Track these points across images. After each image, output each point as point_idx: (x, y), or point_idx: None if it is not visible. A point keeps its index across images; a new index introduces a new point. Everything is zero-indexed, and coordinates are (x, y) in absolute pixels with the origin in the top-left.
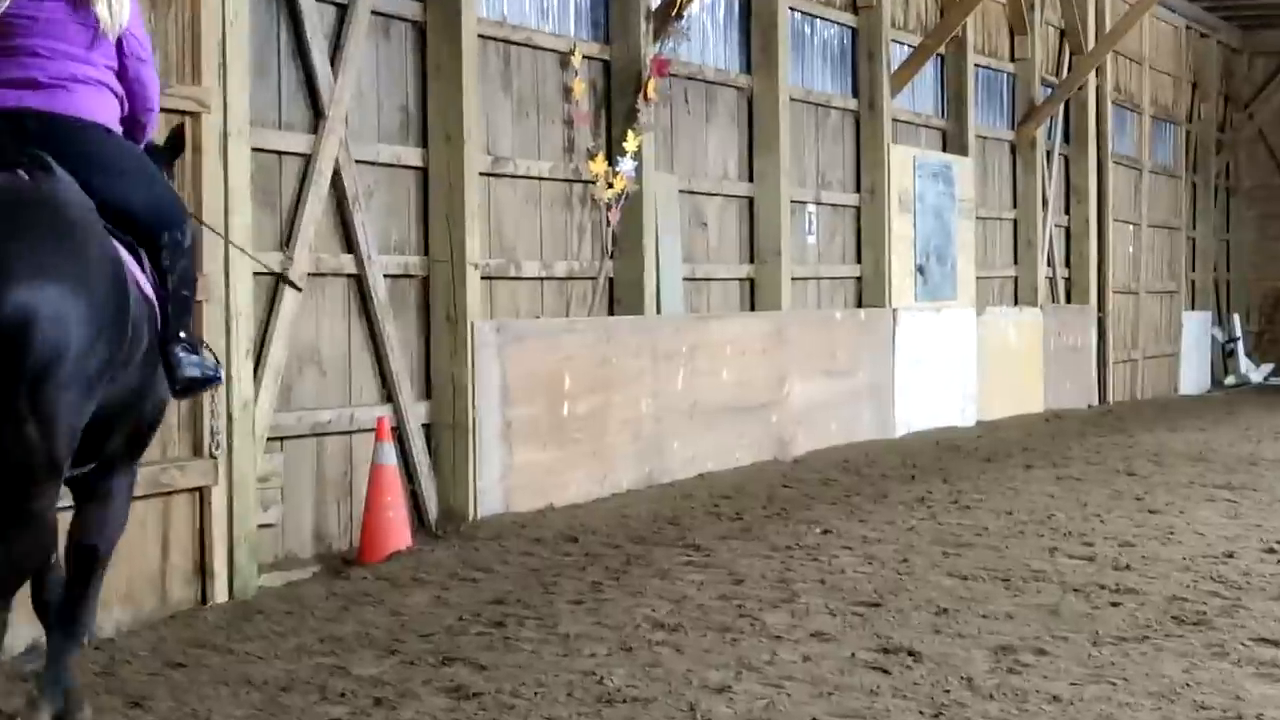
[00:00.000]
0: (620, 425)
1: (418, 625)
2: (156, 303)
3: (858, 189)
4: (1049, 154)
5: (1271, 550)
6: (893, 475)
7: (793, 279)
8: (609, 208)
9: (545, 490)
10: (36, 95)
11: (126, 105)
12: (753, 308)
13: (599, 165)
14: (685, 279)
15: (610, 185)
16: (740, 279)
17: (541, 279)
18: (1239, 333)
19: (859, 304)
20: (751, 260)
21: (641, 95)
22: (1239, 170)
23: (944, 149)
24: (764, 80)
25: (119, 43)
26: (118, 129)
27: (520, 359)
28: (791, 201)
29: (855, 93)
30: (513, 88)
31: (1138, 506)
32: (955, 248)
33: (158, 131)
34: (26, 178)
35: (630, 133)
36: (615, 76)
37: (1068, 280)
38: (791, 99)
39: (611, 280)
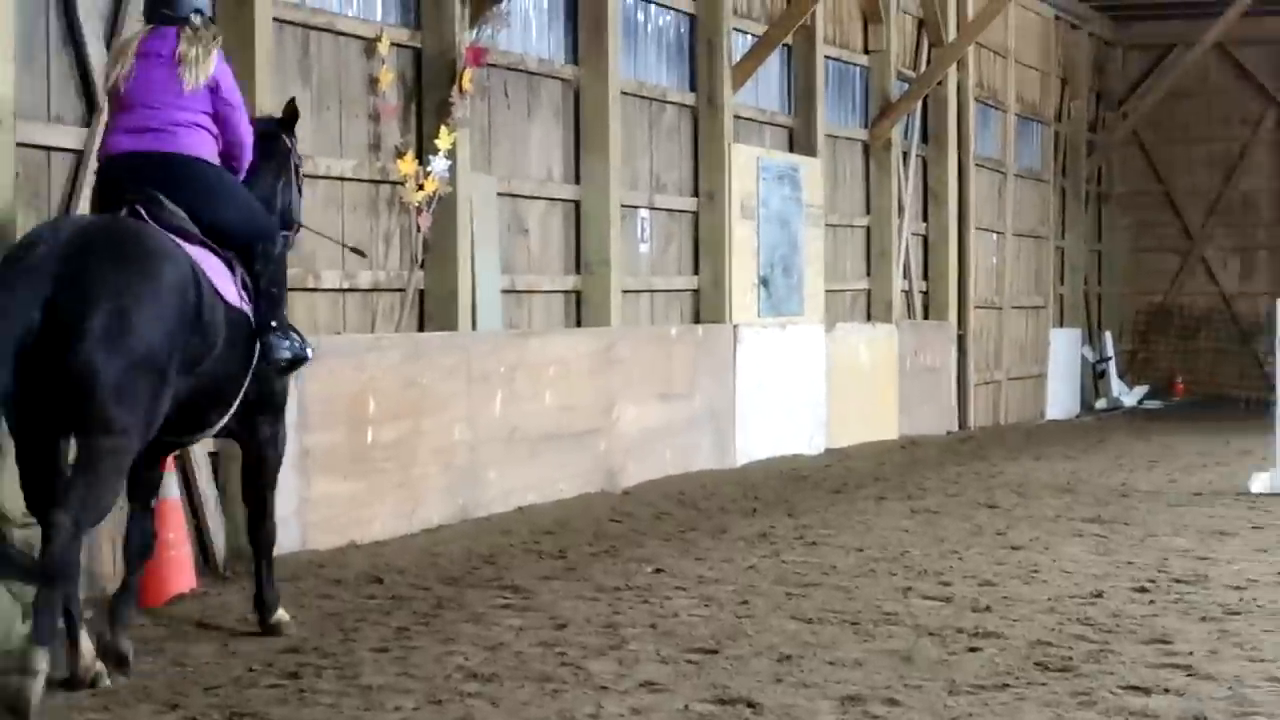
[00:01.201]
0: (431, 454)
1: (202, 677)
2: (248, 301)
3: (695, 193)
4: (905, 155)
5: (1143, 589)
6: (732, 509)
7: (623, 292)
8: (419, 212)
9: (346, 526)
10: (148, 139)
11: (221, 141)
12: (579, 324)
13: (408, 165)
14: (504, 291)
15: (420, 187)
16: (565, 291)
17: (343, 290)
18: (1111, 352)
19: (696, 320)
20: (577, 271)
21: (456, 87)
22: (1112, 174)
23: (790, 149)
24: (592, 72)
25: (211, 93)
26: (215, 160)
27: (318, 380)
28: (622, 206)
29: (693, 86)
30: (312, 78)
31: (999, 542)
32: (802, 258)
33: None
34: (125, 215)
35: (443, 129)
36: (427, 66)
37: (925, 294)
38: (623, 93)
39: (422, 292)
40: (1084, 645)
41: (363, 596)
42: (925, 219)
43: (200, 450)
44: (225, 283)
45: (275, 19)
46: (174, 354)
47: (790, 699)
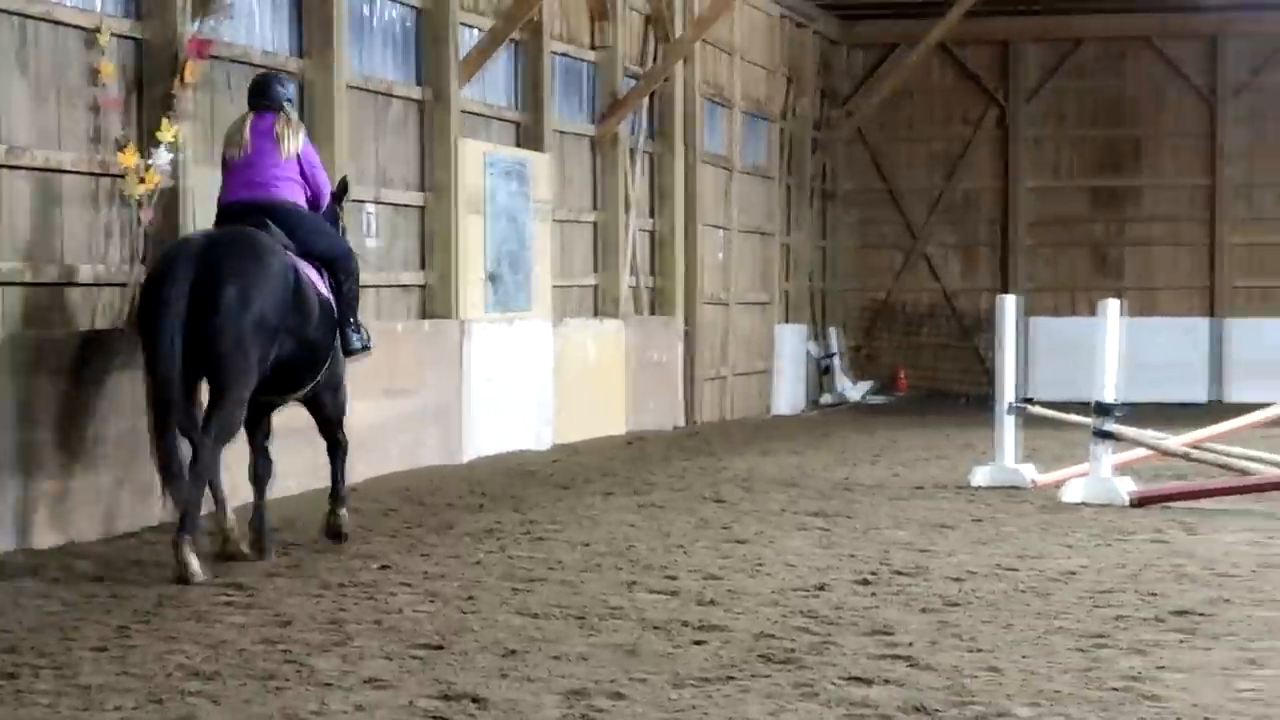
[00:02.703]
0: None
1: None
2: (333, 300)
3: (423, 187)
4: (633, 151)
5: (865, 582)
6: (459, 505)
7: None
8: (141, 205)
9: (66, 525)
10: (258, 190)
11: (309, 191)
12: None
13: (130, 157)
14: None
15: (142, 180)
16: None
17: (62, 285)
18: (836, 348)
19: (423, 315)
20: None
21: (178, 79)
22: (837, 172)
23: (519, 145)
24: (319, 65)
25: (299, 158)
26: (304, 205)
27: (41, 376)
28: (349, 200)
29: (420, 81)
30: (30, 68)
31: (724, 536)
32: (530, 254)
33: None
34: (247, 228)
35: (165, 122)
36: (149, 58)
37: (653, 290)
38: (349, 86)
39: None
40: (806, 637)
41: (82, 595)
42: (653, 215)
43: None
44: (316, 279)
45: None
46: (279, 322)
47: (515, 694)
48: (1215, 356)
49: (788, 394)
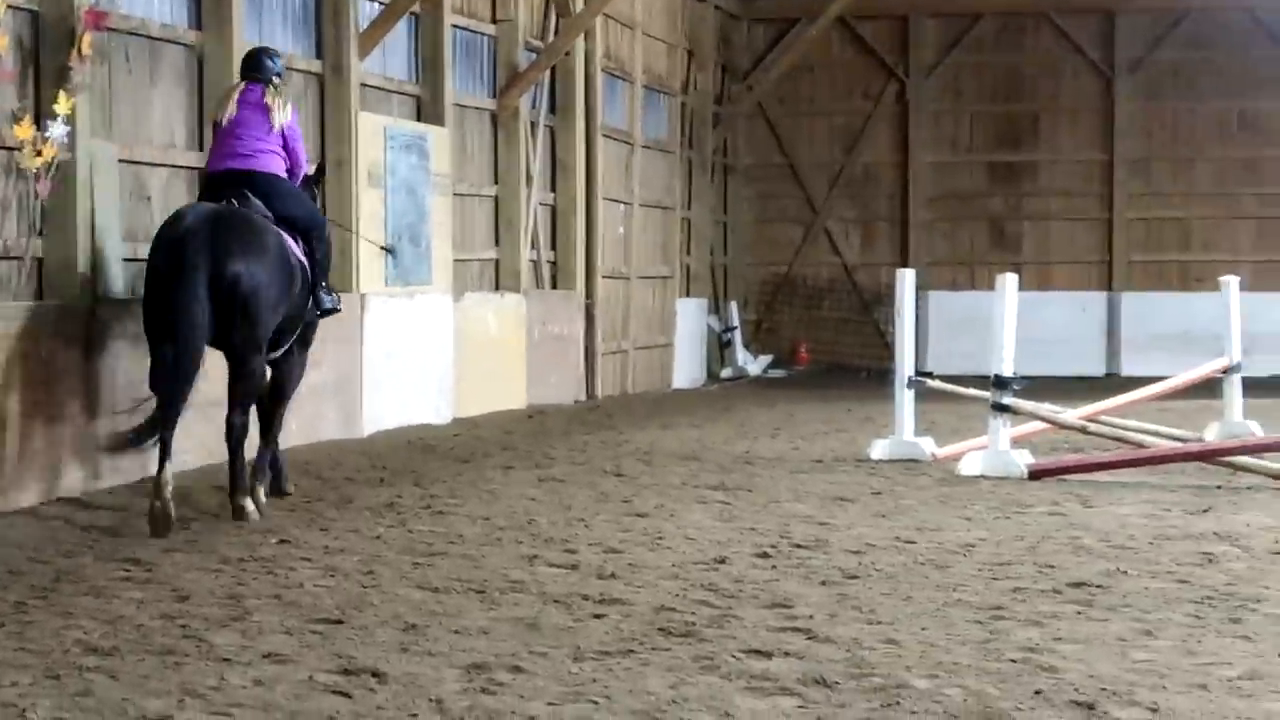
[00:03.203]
0: (50, 425)
1: None
2: (308, 265)
3: (322, 161)
4: (533, 125)
5: (765, 555)
6: (359, 479)
7: None
8: (37, 178)
9: None
10: (241, 160)
11: (289, 162)
12: None
13: (25, 130)
14: (126, 260)
15: (39, 153)
16: None
17: None
18: (736, 322)
19: None
20: None
21: (75, 51)
22: (737, 146)
23: (418, 118)
24: (216, 37)
25: (284, 131)
26: (284, 176)
27: None
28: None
29: (319, 54)
30: None
31: (625, 510)
32: (430, 227)
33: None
34: (233, 204)
35: (62, 94)
36: (45, 30)
37: (553, 264)
38: None
39: (40, 261)
40: (707, 610)
41: None
42: (553, 189)
43: None
44: (294, 246)
45: None
46: (280, 292)
47: (416, 668)
48: (1112, 330)
49: (688, 368)
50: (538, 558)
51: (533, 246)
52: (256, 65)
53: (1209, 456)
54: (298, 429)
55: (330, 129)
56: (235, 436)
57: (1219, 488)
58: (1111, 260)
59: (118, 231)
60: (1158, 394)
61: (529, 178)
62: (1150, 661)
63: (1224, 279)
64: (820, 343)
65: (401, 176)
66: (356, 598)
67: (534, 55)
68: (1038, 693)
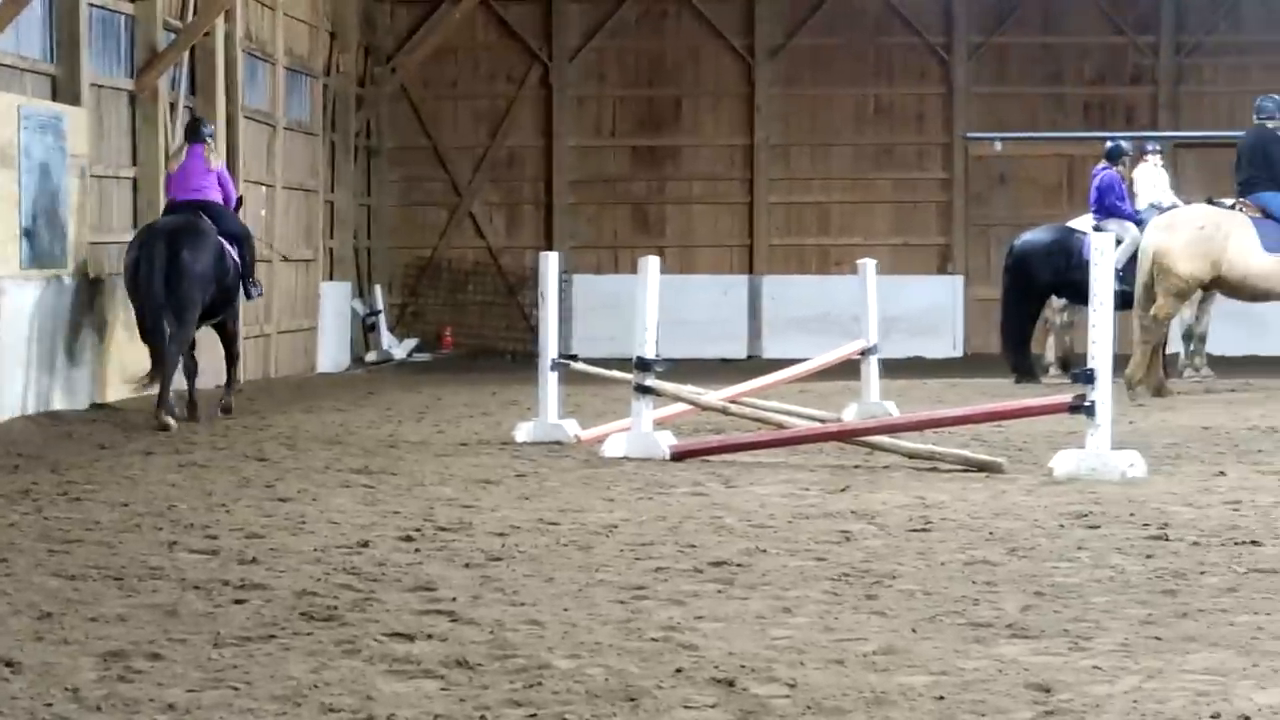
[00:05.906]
0: None
1: None
2: (239, 263)
3: (240, 194)
4: (173, 106)
5: (408, 538)
6: None
7: None
8: None
9: None
10: (193, 193)
11: (223, 195)
12: None
13: None
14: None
15: None
16: None
17: None
18: (381, 305)
19: None
20: None
21: None
22: (381, 129)
23: (54, 98)
24: None
25: (219, 174)
26: (221, 203)
27: None
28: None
29: None
30: None
31: (267, 495)
32: (67, 209)
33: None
34: (192, 218)
35: None
36: None
37: None
38: None
39: None
40: (349, 594)
41: None
42: None
43: None
44: (229, 250)
45: None
46: (213, 276)
47: (51, 657)
48: (753, 313)
49: (332, 352)
50: (177, 544)
51: None
52: (196, 131)
53: (847, 436)
54: None
55: None
56: (168, 354)
57: (857, 467)
58: (753, 244)
59: None
60: (798, 375)
61: (169, 159)
62: (789, 638)
63: (861, 262)
64: (465, 326)
65: (37, 158)
66: None
67: (174, 35)
68: (678, 671)
